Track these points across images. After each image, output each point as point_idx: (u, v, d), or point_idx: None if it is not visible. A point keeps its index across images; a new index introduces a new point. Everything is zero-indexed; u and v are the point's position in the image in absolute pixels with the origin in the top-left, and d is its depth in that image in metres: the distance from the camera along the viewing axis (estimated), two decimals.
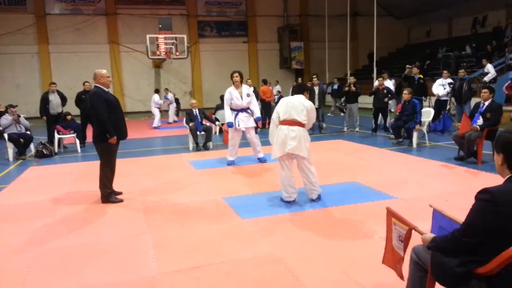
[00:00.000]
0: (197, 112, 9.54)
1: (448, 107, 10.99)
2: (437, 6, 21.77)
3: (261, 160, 7.52)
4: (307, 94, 5.10)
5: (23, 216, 4.90)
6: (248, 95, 7.34)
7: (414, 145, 8.46)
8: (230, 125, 7.41)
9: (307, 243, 3.77)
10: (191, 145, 9.42)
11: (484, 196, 1.89)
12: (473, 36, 20.15)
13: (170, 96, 16.74)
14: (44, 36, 20.97)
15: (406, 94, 8.77)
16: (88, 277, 3.25)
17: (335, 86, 16.66)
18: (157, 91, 16.58)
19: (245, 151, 7.98)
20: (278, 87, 19.29)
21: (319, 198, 5.00)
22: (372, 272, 3.11)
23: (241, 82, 7.39)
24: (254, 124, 7.44)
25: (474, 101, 8.77)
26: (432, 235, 2.19)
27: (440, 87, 10.56)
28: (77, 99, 10.54)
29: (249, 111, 7.41)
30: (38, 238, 4.14)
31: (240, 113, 7.32)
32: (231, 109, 7.36)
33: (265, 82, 14.05)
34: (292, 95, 5.19)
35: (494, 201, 1.85)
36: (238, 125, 7.31)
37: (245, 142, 7.80)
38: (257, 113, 7.50)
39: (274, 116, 4.99)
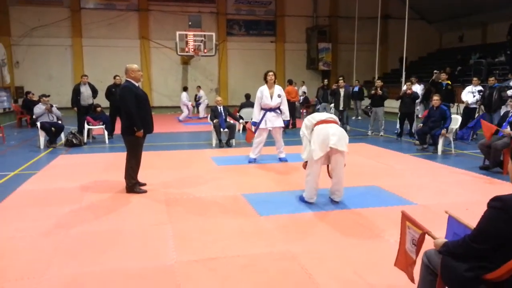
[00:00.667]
0: (222, 109, 9.68)
1: (476, 115, 10.76)
2: (472, 11, 21.22)
3: (282, 160, 7.58)
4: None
5: (52, 201, 5.13)
6: (279, 96, 7.40)
7: (439, 152, 8.33)
8: (254, 123, 7.51)
9: (323, 242, 3.82)
10: (214, 141, 9.57)
11: (496, 204, 1.91)
12: (509, 43, 19.55)
13: (201, 93, 17.44)
14: (78, 30, 21.62)
15: (436, 100, 8.61)
16: (110, 262, 3.41)
17: (356, 88, 16.53)
18: (185, 89, 17.04)
19: (268, 150, 8.06)
20: (304, 88, 19.26)
21: (340, 200, 5.05)
22: (384, 274, 3.14)
23: (275, 82, 7.46)
24: (281, 124, 7.50)
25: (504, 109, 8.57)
26: (444, 240, 2.22)
27: (470, 94, 10.35)
28: (107, 92, 10.85)
29: (278, 111, 7.46)
30: (64, 222, 4.34)
31: (268, 113, 7.39)
32: (261, 108, 7.45)
33: (290, 82, 14.08)
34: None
35: (505, 209, 1.87)
36: (266, 124, 7.39)
37: (270, 141, 7.87)
38: (287, 116, 7.54)
39: (304, 130, 4.96)
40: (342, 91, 11.43)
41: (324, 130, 4.73)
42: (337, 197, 5.02)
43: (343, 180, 4.96)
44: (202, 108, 17.12)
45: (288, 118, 7.70)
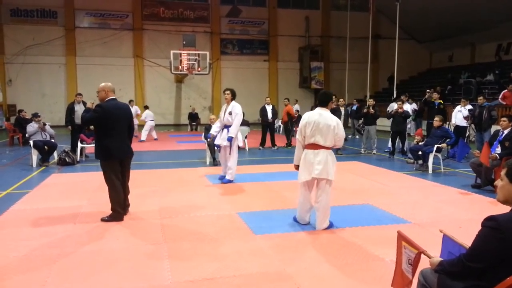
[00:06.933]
0: None
1: (467, 133, 10.92)
2: (460, 32, 21.74)
3: (222, 180, 7.43)
4: (332, 104, 4.91)
5: (45, 221, 5.08)
6: (229, 113, 7.29)
7: (430, 170, 8.42)
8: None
9: (319, 262, 3.82)
10: (208, 159, 9.57)
11: (491, 223, 1.94)
12: (497, 63, 19.99)
13: (146, 113, 15.50)
14: (72, 48, 21.75)
15: (436, 121, 8.71)
16: (105, 282, 3.37)
17: (354, 107, 16.73)
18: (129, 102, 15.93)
19: (260, 168, 8.08)
20: (296, 106, 19.43)
21: (330, 226, 4.81)
22: None
23: (232, 99, 7.38)
24: (226, 143, 7.23)
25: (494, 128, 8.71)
26: (440, 259, 2.25)
27: (459, 113, 10.52)
28: None
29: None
30: (58, 242, 4.30)
31: (224, 130, 7.40)
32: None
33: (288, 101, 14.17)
34: (316, 105, 4.99)
35: (500, 229, 1.90)
36: (217, 141, 7.46)
37: (265, 160, 7.89)
38: (230, 133, 7.17)
39: (298, 136, 4.80)
40: (343, 110, 11.59)
41: (310, 156, 4.64)
42: (322, 226, 4.73)
43: (327, 209, 4.71)
44: (145, 128, 15.22)
45: (232, 135, 7.20)
